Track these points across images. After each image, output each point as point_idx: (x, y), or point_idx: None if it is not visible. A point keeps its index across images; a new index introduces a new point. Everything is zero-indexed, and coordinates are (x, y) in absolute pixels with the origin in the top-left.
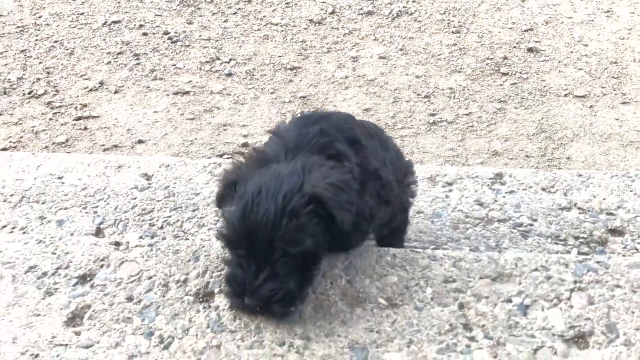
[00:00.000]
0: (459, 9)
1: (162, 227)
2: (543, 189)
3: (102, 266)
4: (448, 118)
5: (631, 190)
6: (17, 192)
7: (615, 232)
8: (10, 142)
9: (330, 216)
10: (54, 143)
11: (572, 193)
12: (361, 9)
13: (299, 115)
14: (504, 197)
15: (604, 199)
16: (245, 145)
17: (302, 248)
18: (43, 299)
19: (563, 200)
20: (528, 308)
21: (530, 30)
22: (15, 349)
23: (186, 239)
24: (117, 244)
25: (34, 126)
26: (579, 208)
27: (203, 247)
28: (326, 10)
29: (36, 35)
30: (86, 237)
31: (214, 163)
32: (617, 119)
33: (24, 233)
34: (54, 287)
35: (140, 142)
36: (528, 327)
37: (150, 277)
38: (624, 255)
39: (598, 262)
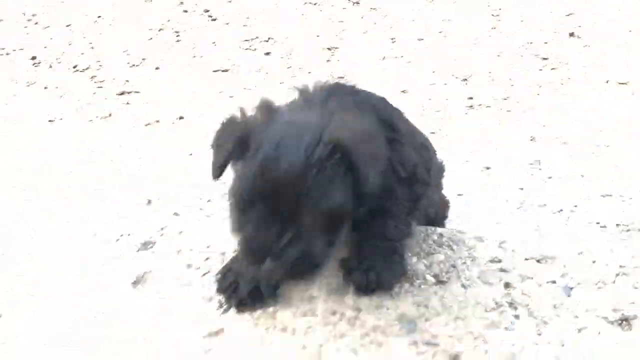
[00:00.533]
0: None
1: (209, 201)
2: (582, 176)
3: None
4: (486, 102)
5: None
6: None
7: None
8: (56, 115)
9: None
10: (98, 117)
11: (612, 180)
12: None
13: (329, 82)
14: (544, 182)
15: None
16: None
17: (331, 204)
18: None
19: (605, 187)
20: (572, 290)
21: (572, 14)
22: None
23: None
24: (176, 214)
25: (79, 99)
26: (620, 195)
27: None
28: None
29: (81, 10)
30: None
31: None
32: None
33: None
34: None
35: (181, 118)
36: (572, 308)
37: (207, 246)
38: None
39: None
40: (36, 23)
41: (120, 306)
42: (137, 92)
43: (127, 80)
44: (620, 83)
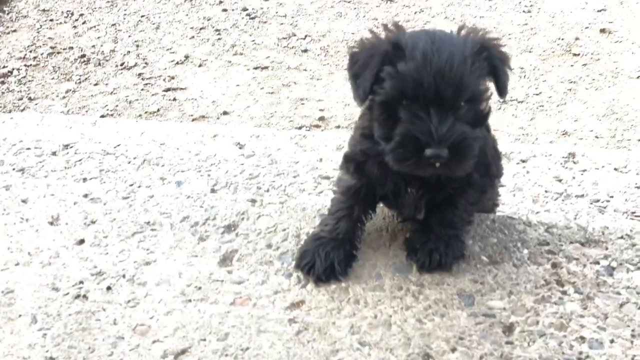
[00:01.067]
0: None
1: (267, 191)
2: (615, 169)
3: (242, 219)
4: (519, 97)
5: None
6: (139, 156)
7: None
8: (108, 110)
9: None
10: (146, 112)
11: None
12: None
13: None
14: (581, 174)
15: None
16: (322, 119)
17: (484, 95)
18: (198, 244)
19: (638, 179)
20: (614, 270)
21: (604, 10)
22: (181, 281)
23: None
24: (253, 201)
25: (127, 96)
26: None
27: (326, 206)
28: None
29: (125, 10)
30: (226, 194)
31: (300, 135)
32: None
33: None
34: (206, 234)
35: (225, 113)
36: (614, 286)
37: (284, 229)
38: None
39: None
40: (84, 22)
41: (210, 281)
42: (183, 88)
43: (173, 77)
44: None
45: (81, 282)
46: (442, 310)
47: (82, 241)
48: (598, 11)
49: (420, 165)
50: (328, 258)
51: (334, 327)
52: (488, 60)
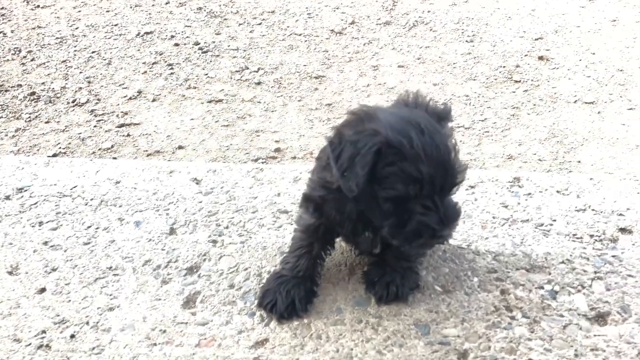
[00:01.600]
0: (472, 18)
1: (227, 227)
2: (558, 192)
3: (204, 260)
4: (465, 124)
5: (638, 193)
6: (96, 197)
7: (625, 230)
8: (60, 148)
9: None
10: (100, 149)
11: (584, 195)
12: (379, 19)
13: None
14: (526, 200)
15: (614, 202)
16: (278, 150)
17: (463, 178)
18: (161, 287)
19: (579, 202)
20: (557, 293)
21: (541, 38)
22: (146, 325)
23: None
24: (214, 241)
25: (80, 133)
26: (592, 209)
27: (286, 243)
28: (346, 21)
29: (74, 47)
30: (187, 236)
31: (256, 168)
32: (623, 124)
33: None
34: (168, 277)
35: (180, 147)
36: (558, 309)
37: (246, 269)
38: (633, 251)
39: (613, 256)
40: (32, 59)
41: (175, 324)
42: (137, 124)
43: (126, 113)
44: (586, 102)
45: (44, 332)
46: (401, 340)
47: (43, 290)
48: (535, 39)
49: (432, 244)
50: (289, 296)
51: None
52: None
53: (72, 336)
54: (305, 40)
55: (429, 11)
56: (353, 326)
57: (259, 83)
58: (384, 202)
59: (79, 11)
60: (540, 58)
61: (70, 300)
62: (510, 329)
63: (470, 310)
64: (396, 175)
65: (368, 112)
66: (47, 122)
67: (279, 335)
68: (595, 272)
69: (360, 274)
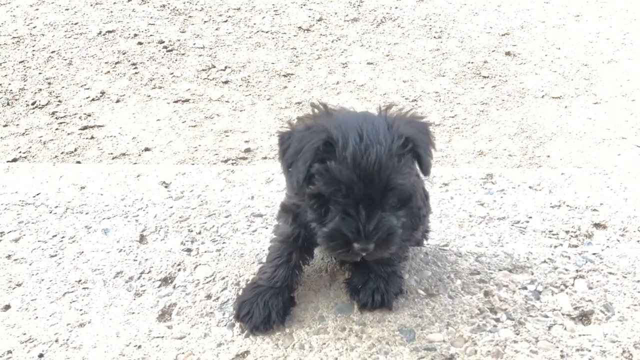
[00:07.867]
0: (440, 15)
1: (200, 233)
2: (530, 187)
3: (179, 270)
4: (435, 120)
5: (608, 187)
6: (61, 204)
7: (600, 226)
8: (20, 152)
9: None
10: (63, 152)
11: (556, 190)
12: (347, 15)
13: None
14: (501, 197)
15: (588, 197)
16: (248, 150)
17: (409, 187)
18: (134, 300)
19: (553, 198)
20: (540, 293)
21: (507, 34)
22: (120, 341)
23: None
24: (189, 250)
25: (41, 136)
26: (567, 205)
27: (264, 250)
28: (313, 17)
29: (33, 46)
30: (161, 245)
31: (227, 170)
32: (589, 119)
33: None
34: (142, 289)
35: (146, 149)
36: (542, 309)
37: (223, 278)
38: (608, 247)
39: (594, 253)
40: None
41: (150, 339)
42: (101, 126)
43: (89, 115)
44: (553, 97)
45: (9, 352)
46: (386, 347)
47: (7, 307)
48: (502, 35)
49: (349, 255)
50: (267, 307)
51: None
52: (413, 151)
53: (41, 355)
54: (273, 38)
55: (396, 7)
56: (337, 334)
57: (226, 82)
58: (308, 198)
59: (37, 9)
60: (507, 53)
61: (37, 317)
62: (495, 331)
63: (455, 313)
64: (321, 173)
65: (326, 108)
66: (5, 126)
67: (260, 347)
68: (577, 271)
69: (342, 279)
